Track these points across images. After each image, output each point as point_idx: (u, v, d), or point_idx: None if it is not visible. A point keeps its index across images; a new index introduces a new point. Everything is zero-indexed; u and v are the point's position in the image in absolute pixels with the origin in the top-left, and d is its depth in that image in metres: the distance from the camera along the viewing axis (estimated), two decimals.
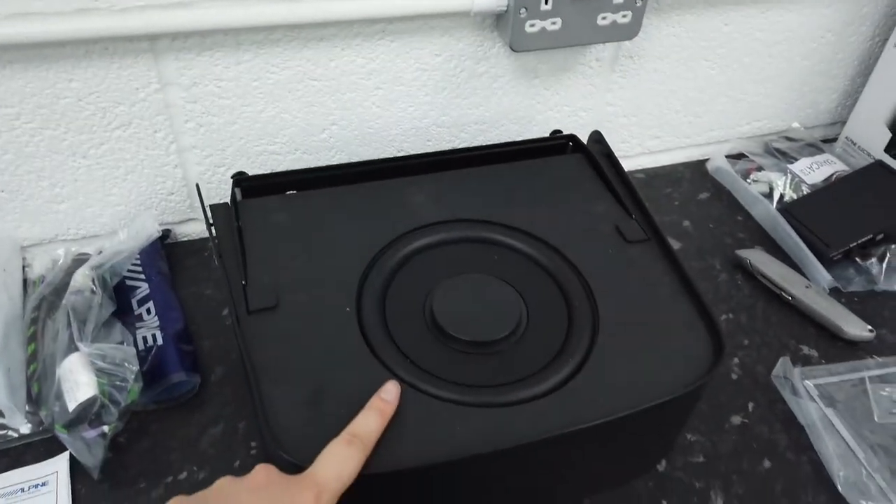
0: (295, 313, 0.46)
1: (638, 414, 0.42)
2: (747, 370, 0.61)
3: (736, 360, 0.61)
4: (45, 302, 0.55)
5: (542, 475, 0.45)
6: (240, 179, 0.55)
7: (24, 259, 0.62)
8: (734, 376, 0.60)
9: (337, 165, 0.58)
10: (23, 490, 0.47)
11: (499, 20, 0.64)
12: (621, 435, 0.45)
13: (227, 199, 0.53)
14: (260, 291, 0.47)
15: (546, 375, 0.44)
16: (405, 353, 0.45)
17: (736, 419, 0.57)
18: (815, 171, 0.80)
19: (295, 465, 0.37)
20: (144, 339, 0.54)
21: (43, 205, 0.61)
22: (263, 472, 0.36)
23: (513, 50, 0.63)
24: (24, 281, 0.60)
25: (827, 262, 0.69)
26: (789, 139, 0.87)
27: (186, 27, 0.54)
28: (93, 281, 0.53)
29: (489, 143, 0.74)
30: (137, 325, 0.56)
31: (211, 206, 0.52)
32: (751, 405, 0.58)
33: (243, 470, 0.50)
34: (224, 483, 0.36)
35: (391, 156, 0.71)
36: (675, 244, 0.53)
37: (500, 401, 0.43)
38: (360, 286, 0.49)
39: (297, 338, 0.45)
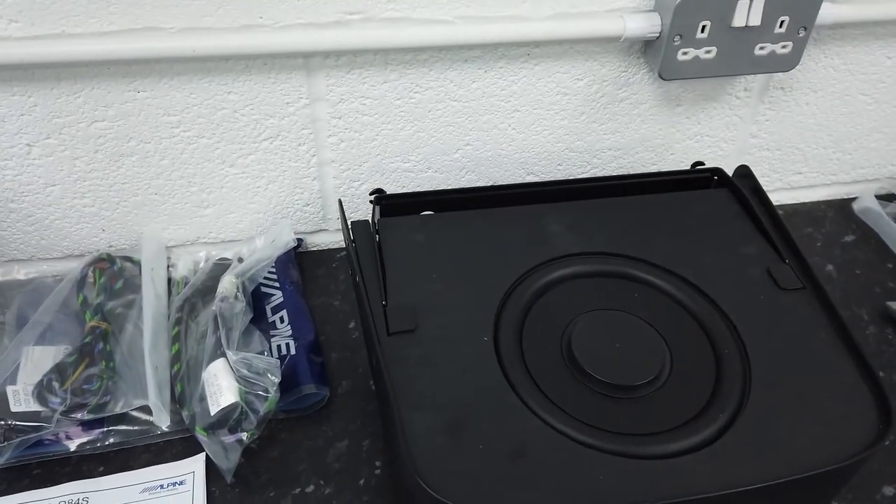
0: (433, 338, 0.46)
1: (792, 482, 0.39)
2: None
3: None
4: (187, 303, 0.58)
5: None
6: (380, 197, 0.55)
7: (168, 259, 0.65)
8: (887, 441, 0.55)
9: (473, 188, 0.57)
10: (162, 486, 0.49)
11: (648, 47, 0.62)
12: (769, 501, 0.42)
13: (362, 215, 0.54)
14: (400, 313, 0.47)
15: (694, 429, 0.42)
16: (543, 391, 0.44)
17: (889, 490, 0.52)
18: None
19: (431, 494, 0.37)
20: (279, 347, 0.56)
21: (190, 209, 0.64)
22: None
23: (661, 78, 0.60)
24: (168, 280, 0.63)
25: None
26: None
27: (341, 46, 0.55)
28: (237, 288, 0.54)
29: (622, 169, 0.72)
30: (272, 332, 0.57)
31: (352, 223, 0.53)
32: None
33: (367, 488, 0.51)
34: None
35: (521, 178, 0.71)
36: None
37: (645, 452, 0.41)
38: (497, 315, 0.48)
39: (435, 364, 0.44)
